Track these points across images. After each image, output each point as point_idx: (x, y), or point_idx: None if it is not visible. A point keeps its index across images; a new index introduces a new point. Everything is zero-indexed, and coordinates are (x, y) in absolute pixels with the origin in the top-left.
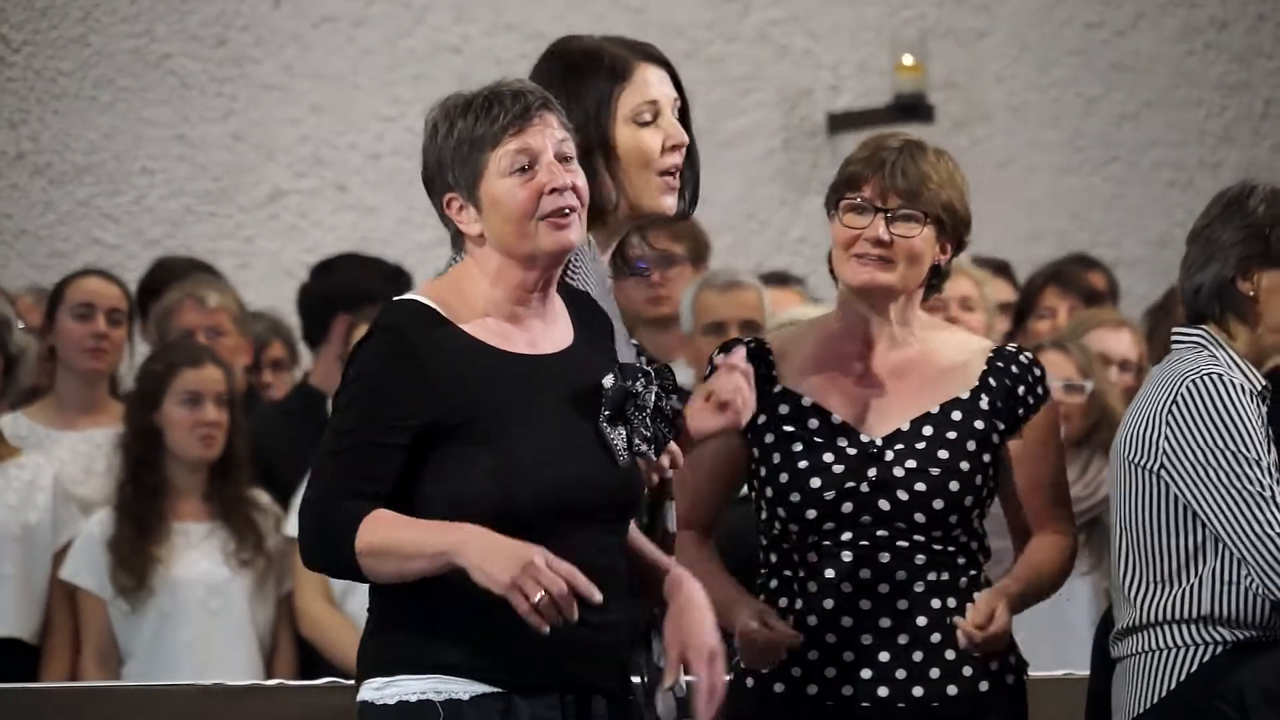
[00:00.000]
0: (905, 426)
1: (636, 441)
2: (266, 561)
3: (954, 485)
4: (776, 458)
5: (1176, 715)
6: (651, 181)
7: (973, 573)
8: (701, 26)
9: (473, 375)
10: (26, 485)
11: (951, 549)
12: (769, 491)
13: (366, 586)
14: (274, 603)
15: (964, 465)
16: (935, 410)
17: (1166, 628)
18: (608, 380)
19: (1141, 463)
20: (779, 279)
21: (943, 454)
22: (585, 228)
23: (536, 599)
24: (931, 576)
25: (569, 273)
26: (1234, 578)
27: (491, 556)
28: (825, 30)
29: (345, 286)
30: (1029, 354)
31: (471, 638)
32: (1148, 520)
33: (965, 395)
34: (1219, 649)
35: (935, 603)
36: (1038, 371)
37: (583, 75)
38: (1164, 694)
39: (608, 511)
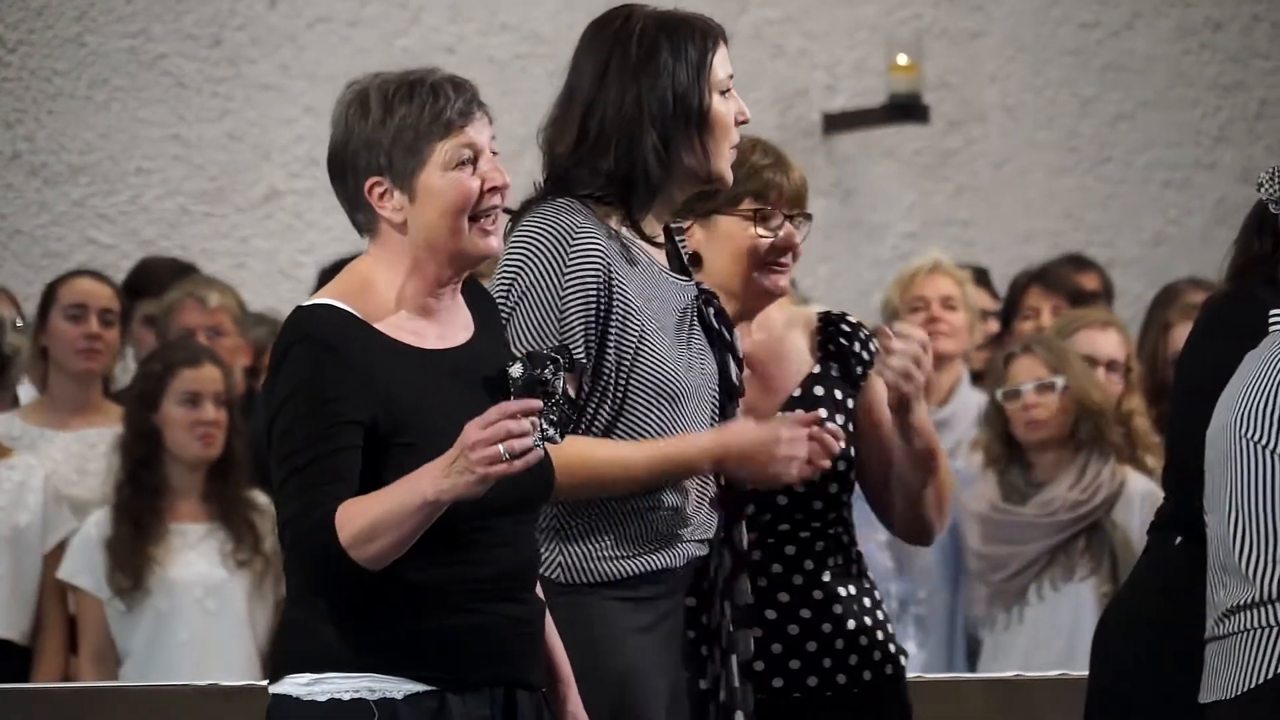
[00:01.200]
0: (778, 415)
1: (545, 427)
2: (264, 562)
3: (840, 465)
4: None
5: None
6: (726, 153)
7: (856, 550)
8: None
9: (393, 375)
10: (17, 486)
11: (840, 529)
12: None
13: None
14: (272, 603)
15: (840, 441)
16: (798, 393)
17: None
18: (516, 369)
19: (1260, 441)
20: None
21: None
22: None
23: (502, 454)
24: (831, 562)
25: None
26: None
27: (445, 472)
28: (820, 30)
29: None
30: (849, 314)
31: (402, 636)
32: (1267, 499)
33: (817, 369)
34: None
35: (842, 590)
36: (864, 331)
37: (681, 37)
38: None
39: (524, 503)
